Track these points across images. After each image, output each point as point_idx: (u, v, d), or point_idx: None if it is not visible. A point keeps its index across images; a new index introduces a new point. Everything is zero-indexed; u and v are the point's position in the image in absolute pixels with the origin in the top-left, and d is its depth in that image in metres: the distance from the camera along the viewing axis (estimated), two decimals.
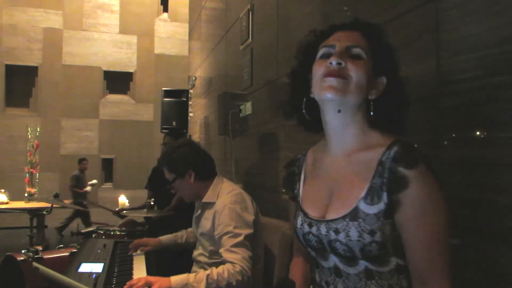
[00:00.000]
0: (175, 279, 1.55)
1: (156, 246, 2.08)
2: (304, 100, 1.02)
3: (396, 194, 0.85)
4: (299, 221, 1.01)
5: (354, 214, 0.89)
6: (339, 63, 0.91)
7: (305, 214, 1.00)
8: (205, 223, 1.90)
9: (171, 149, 1.99)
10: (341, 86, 0.91)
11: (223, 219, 1.75)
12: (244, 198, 1.88)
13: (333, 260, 0.96)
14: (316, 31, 1.05)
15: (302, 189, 1.07)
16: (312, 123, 1.04)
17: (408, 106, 0.96)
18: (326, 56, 0.96)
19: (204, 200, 1.93)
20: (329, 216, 0.94)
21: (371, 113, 0.95)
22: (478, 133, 1.01)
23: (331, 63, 0.92)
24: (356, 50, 0.94)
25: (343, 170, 0.97)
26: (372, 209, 0.87)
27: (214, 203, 1.88)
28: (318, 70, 0.95)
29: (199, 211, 1.98)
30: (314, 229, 0.96)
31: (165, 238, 2.14)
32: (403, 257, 0.90)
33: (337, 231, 0.91)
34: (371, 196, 0.88)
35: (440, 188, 0.86)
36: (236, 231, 1.70)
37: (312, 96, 1.00)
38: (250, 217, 1.81)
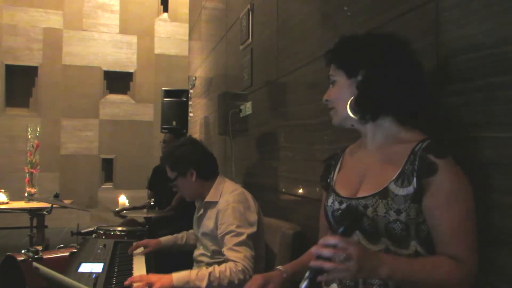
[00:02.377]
0: (177, 276, 1.55)
1: (156, 247, 2.08)
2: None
3: (424, 179, 0.94)
4: (330, 200, 1.13)
5: (384, 193, 0.99)
6: (326, 100, 1.15)
7: (337, 194, 1.12)
8: (208, 223, 1.90)
9: (173, 147, 1.99)
10: (333, 114, 1.14)
11: (226, 218, 1.76)
12: (246, 197, 1.89)
13: (357, 236, 1.03)
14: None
15: (336, 177, 1.20)
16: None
17: (395, 87, 1.03)
18: None
19: (206, 199, 1.93)
20: (360, 194, 1.05)
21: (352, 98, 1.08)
22: (478, 133, 1.01)
23: None
24: (332, 79, 1.14)
25: (376, 159, 1.08)
26: (401, 191, 0.97)
27: (216, 202, 1.88)
28: None
29: (201, 211, 1.98)
30: (344, 206, 1.07)
31: (165, 238, 2.14)
32: (423, 244, 0.98)
33: (365, 207, 1.00)
34: (402, 179, 0.98)
35: (466, 177, 0.95)
36: (239, 230, 1.71)
37: None
38: (253, 217, 1.81)
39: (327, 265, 0.83)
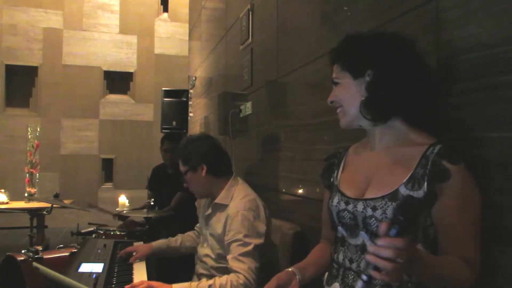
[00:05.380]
0: (177, 287, 1.54)
1: (147, 253, 1.97)
2: None
3: (436, 184, 0.94)
4: (335, 200, 1.12)
5: (393, 196, 0.98)
6: (331, 102, 1.14)
7: (343, 194, 1.11)
8: (216, 226, 1.84)
9: (187, 141, 1.94)
10: (341, 116, 1.13)
11: (235, 225, 1.71)
12: (258, 205, 1.83)
13: (363, 237, 1.03)
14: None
15: (340, 176, 1.19)
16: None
17: (403, 85, 1.02)
18: None
19: (216, 201, 1.87)
20: (368, 196, 1.04)
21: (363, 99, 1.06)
22: (478, 133, 1.01)
23: None
24: (336, 81, 1.12)
25: (384, 160, 1.07)
26: (412, 194, 0.96)
27: (227, 205, 1.82)
28: None
29: (210, 211, 1.91)
30: (350, 207, 1.06)
31: (156, 243, 2.08)
32: (428, 247, 0.96)
33: (374, 208, 0.99)
34: (412, 182, 0.97)
35: (476, 184, 0.94)
36: (246, 240, 1.66)
37: None
38: (262, 227, 1.76)
39: (383, 263, 0.78)
